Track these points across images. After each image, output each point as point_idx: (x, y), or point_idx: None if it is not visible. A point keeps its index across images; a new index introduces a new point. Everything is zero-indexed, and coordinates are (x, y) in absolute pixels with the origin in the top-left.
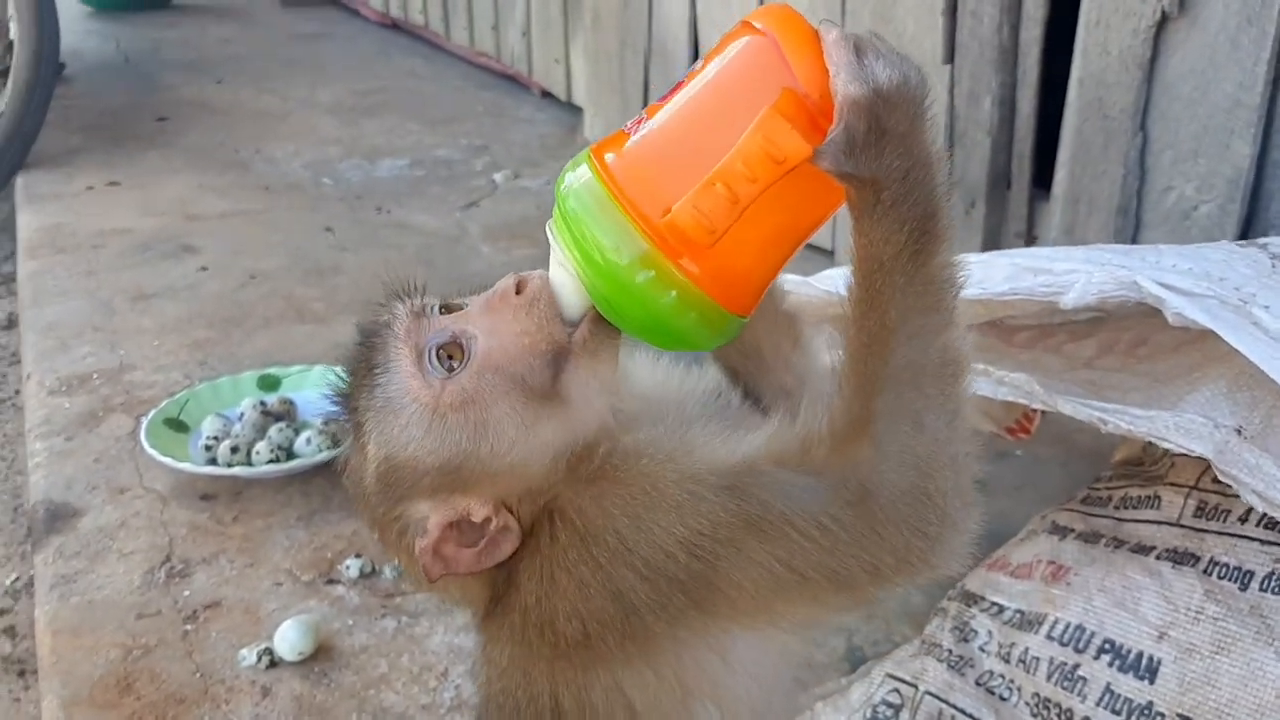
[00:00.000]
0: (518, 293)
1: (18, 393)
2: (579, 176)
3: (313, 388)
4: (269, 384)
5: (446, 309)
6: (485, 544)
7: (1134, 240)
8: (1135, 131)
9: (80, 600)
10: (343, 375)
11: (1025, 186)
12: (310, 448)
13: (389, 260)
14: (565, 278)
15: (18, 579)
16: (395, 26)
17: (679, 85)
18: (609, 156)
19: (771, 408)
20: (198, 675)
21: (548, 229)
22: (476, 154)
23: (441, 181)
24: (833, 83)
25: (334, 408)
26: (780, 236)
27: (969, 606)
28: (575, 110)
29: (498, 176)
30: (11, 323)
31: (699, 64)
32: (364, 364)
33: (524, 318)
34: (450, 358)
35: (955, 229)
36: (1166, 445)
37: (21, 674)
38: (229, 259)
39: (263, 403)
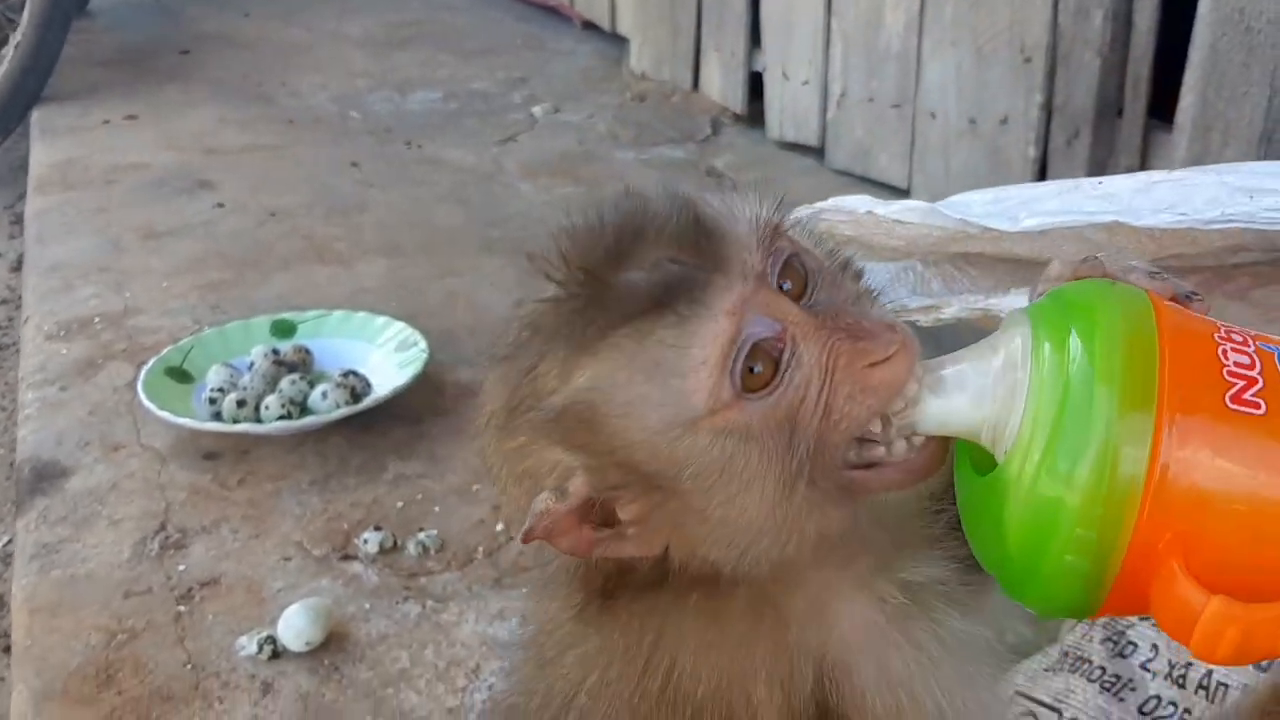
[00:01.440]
0: (875, 366)
1: None
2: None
3: (332, 335)
4: (283, 330)
5: (792, 272)
6: (611, 536)
7: None
8: None
9: (62, 574)
10: (606, 244)
11: (1140, 114)
12: (326, 403)
13: (419, 198)
14: (974, 387)
15: (9, 541)
16: None
17: None
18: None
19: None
20: (189, 666)
21: (1019, 322)
22: (514, 87)
23: (477, 115)
24: None
25: (560, 265)
26: None
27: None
28: (620, 41)
29: (536, 110)
30: (21, 264)
31: None
32: (656, 284)
33: (864, 394)
34: (757, 366)
35: None
36: None
37: (9, 649)
38: (247, 196)
39: (275, 351)
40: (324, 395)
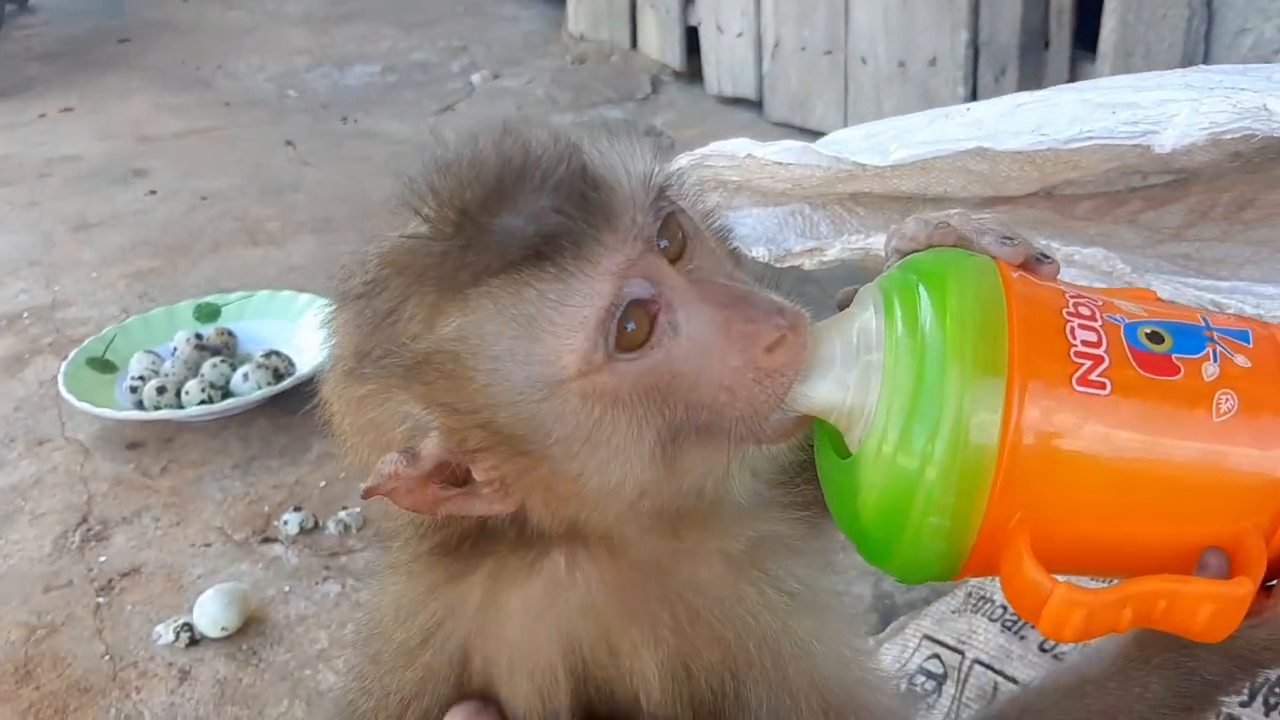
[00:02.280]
0: (769, 349)
1: None
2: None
3: (256, 317)
4: (207, 314)
5: (671, 231)
6: (459, 495)
7: None
8: None
9: None
10: (485, 185)
11: (1066, 45)
12: (248, 385)
13: (354, 172)
14: (835, 367)
15: None
16: None
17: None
18: (1038, 386)
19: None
20: (107, 658)
21: (871, 296)
22: (454, 56)
23: (415, 86)
24: None
25: (432, 202)
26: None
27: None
28: (559, 4)
29: (475, 78)
30: None
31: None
32: (539, 234)
33: (748, 380)
34: (632, 323)
35: None
36: None
37: None
38: (180, 181)
39: (198, 336)
40: (245, 377)
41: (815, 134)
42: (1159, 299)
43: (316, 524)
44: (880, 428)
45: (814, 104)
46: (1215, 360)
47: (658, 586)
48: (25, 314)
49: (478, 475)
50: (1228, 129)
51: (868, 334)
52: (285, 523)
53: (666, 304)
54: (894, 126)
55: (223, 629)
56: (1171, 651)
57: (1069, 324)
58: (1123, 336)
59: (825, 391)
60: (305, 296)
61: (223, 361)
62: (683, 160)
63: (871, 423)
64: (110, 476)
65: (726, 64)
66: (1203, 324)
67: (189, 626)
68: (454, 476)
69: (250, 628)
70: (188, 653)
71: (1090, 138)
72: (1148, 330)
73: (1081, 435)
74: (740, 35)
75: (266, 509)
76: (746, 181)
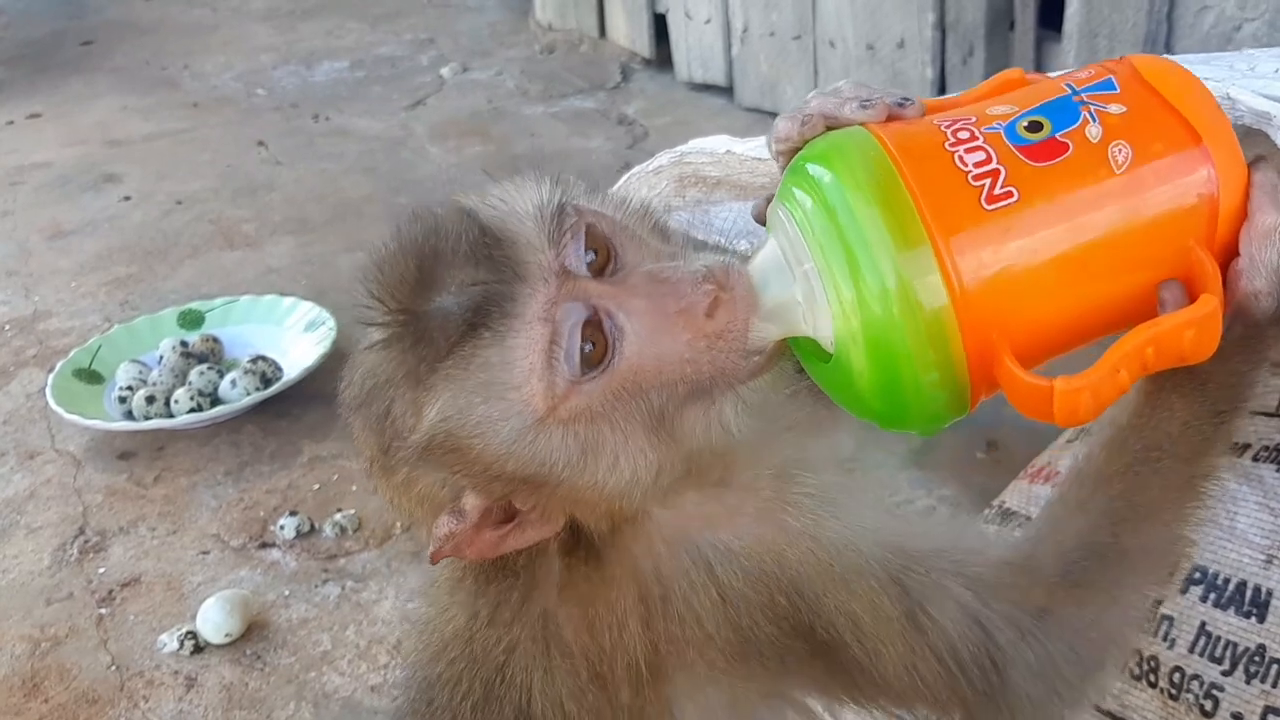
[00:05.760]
0: (709, 314)
1: None
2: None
3: (240, 322)
4: (191, 321)
5: (594, 240)
6: (513, 529)
7: None
8: None
9: None
10: (411, 279)
11: (1031, 26)
12: (236, 391)
13: (327, 171)
14: (779, 291)
15: None
16: None
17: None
18: (944, 222)
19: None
20: (113, 668)
21: (778, 212)
22: (422, 49)
23: (384, 81)
24: (1242, 258)
25: (378, 311)
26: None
27: (1007, 527)
28: None
29: (445, 71)
30: None
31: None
32: (465, 309)
33: (703, 347)
34: (590, 343)
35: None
36: None
37: None
38: (153, 185)
39: (184, 343)
40: (233, 384)
41: None
42: (1025, 77)
43: (313, 527)
44: (843, 321)
45: (784, 88)
46: (1094, 120)
47: (695, 570)
48: (7, 326)
49: (520, 505)
50: None
51: (792, 248)
52: (282, 527)
53: (606, 314)
54: None
55: (226, 635)
56: (1178, 374)
57: (955, 154)
58: (1006, 140)
59: (780, 318)
60: (289, 300)
61: (210, 368)
62: (663, 158)
63: (834, 320)
64: (104, 487)
65: (696, 50)
66: (1069, 92)
67: (193, 634)
68: (502, 515)
69: (253, 633)
70: (193, 660)
71: None
72: (1024, 124)
73: (1012, 253)
74: (709, 21)
75: (262, 514)
76: (726, 177)
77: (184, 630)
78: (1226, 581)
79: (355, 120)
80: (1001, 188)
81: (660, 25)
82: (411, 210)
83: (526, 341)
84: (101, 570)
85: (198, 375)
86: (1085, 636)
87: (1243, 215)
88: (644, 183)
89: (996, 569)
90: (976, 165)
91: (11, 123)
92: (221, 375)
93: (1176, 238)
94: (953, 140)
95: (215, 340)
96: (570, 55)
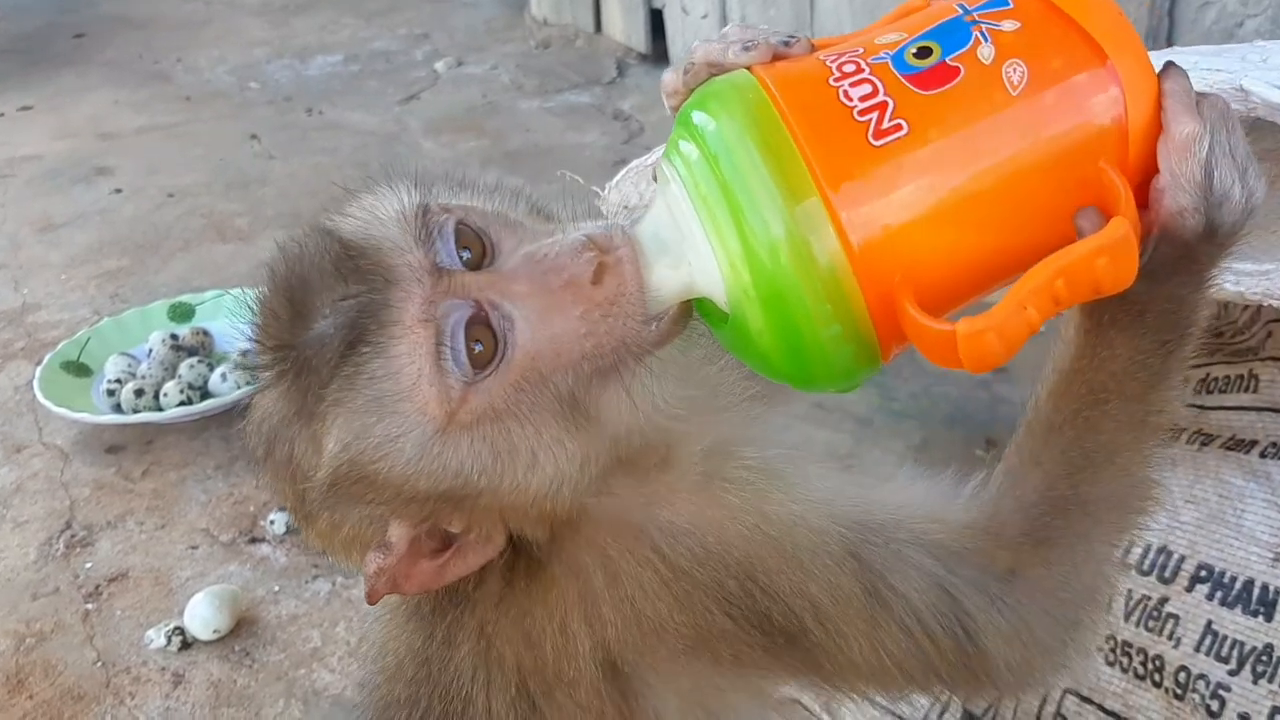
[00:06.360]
0: (595, 281)
1: None
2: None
3: (230, 315)
4: (181, 314)
5: (466, 237)
6: (452, 556)
7: None
8: None
9: None
10: (284, 312)
11: None
12: (227, 384)
13: (320, 165)
14: (669, 250)
15: None
16: None
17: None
18: (828, 167)
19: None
20: (99, 664)
21: (663, 167)
22: (416, 43)
23: (378, 76)
24: (1163, 175)
25: (258, 353)
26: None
27: None
28: None
29: (439, 65)
30: None
31: None
32: (340, 327)
33: (597, 318)
34: (478, 342)
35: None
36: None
37: None
38: (145, 178)
39: (173, 336)
40: (224, 377)
41: None
42: (926, 1)
43: None
44: (733, 276)
45: None
46: (987, 40)
47: (638, 546)
48: None
49: (453, 529)
50: None
51: (678, 205)
52: (271, 522)
53: (490, 305)
54: None
55: (214, 631)
56: (1115, 308)
57: (840, 89)
58: (894, 70)
59: (672, 278)
60: None
61: (200, 361)
62: (658, 153)
63: (724, 276)
64: (91, 481)
65: (692, 45)
66: (961, 13)
67: (180, 630)
68: (438, 543)
69: (242, 629)
70: (180, 656)
71: None
72: (913, 50)
73: (908, 192)
74: (705, 17)
75: (252, 509)
76: None
77: (172, 626)
78: (1233, 580)
79: (349, 115)
80: (889, 121)
81: (656, 20)
82: (275, 241)
83: (409, 347)
84: (88, 565)
85: (187, 369)
86: (1057, 596)
87: (1158, 129)
88: (640, 177)
89: (958, 534)
90: (862, 99)
91: (2, 115)
92: (212, 369)
93: (1086, 160)
94: (837, 74)
95: (206, 333)
96: (565, 50)
